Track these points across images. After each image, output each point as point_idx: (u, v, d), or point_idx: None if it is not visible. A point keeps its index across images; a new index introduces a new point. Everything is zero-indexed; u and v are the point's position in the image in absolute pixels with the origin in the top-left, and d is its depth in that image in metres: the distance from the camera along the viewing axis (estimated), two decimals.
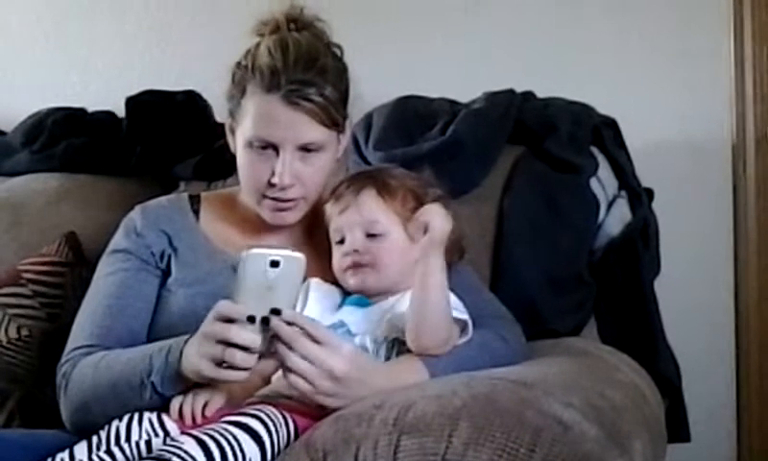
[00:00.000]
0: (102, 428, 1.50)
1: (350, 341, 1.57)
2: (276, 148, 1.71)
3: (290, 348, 1.46)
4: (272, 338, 1.48)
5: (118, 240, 1.84)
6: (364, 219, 1.68)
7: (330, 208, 1.73)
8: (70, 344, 1.76)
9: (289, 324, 1.47)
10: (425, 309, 1.55)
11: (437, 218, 1.56)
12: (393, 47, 2.52)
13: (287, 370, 1.49)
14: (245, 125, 1.73)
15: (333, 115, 1.73)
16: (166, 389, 1.55)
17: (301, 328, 1.47)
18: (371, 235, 1.67)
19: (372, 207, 1.68)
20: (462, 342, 1.61)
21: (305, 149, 1.72)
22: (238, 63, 1.77)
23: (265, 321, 1.46)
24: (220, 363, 1.47)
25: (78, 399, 1.68)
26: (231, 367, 1.47)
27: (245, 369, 1.47)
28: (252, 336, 1.46)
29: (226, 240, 1.83)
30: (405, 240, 1.66)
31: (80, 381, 1.68)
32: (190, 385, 1.54)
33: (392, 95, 2.29)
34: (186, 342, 1.54)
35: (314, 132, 1.71)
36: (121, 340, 1.69)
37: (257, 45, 1.75)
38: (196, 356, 1.50)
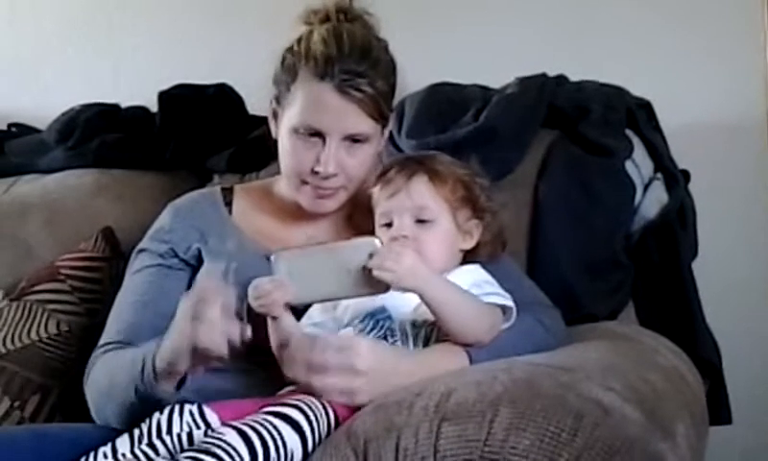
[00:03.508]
0: (143, 421, 1.50)
1: (372, 336, 1.58)
2: (322, 136, 1.71)
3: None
4: None
5: (144, 240, 1.86)
6: (414, 204, 1.66)
7: (378, 192, 1.71)
8: (99, 342, 1.77)
9: None
10: (455, 324, 1.55)
11: (387, 262, 1.51)
12: (424, 34, 2.52)
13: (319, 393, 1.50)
14: (292, 110, 1.73)
15: (382, 108, 1.73)
16: (151, 386, 1.56)
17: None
18: (420, 221, 1.66)
19: (423, 193, 1.67)
20: (504, 328, 1.61)
21: (351, 139, 1.72)
22: (290, 49, 1.76)
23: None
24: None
25: (94, 396, 1.71)
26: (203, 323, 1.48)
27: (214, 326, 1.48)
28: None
29: (259, 231, 1.84)
30: (453, 228, 1.67)
31: (94, 379, 1.71)
32: (177, 380, 1.56)
33: (423, 82, 2.29)
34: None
35: (362, 123, 1.72)
36: (145, 336, 1.68)
37: (310, 33, 1.75)
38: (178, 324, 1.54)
